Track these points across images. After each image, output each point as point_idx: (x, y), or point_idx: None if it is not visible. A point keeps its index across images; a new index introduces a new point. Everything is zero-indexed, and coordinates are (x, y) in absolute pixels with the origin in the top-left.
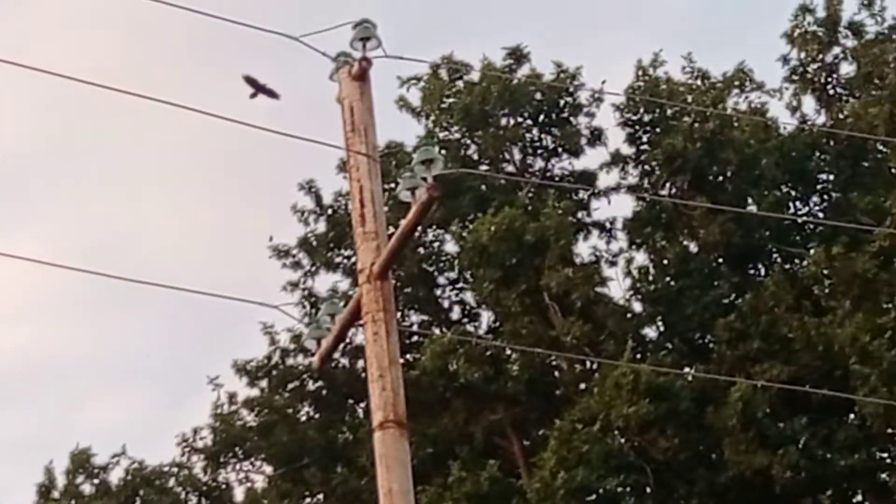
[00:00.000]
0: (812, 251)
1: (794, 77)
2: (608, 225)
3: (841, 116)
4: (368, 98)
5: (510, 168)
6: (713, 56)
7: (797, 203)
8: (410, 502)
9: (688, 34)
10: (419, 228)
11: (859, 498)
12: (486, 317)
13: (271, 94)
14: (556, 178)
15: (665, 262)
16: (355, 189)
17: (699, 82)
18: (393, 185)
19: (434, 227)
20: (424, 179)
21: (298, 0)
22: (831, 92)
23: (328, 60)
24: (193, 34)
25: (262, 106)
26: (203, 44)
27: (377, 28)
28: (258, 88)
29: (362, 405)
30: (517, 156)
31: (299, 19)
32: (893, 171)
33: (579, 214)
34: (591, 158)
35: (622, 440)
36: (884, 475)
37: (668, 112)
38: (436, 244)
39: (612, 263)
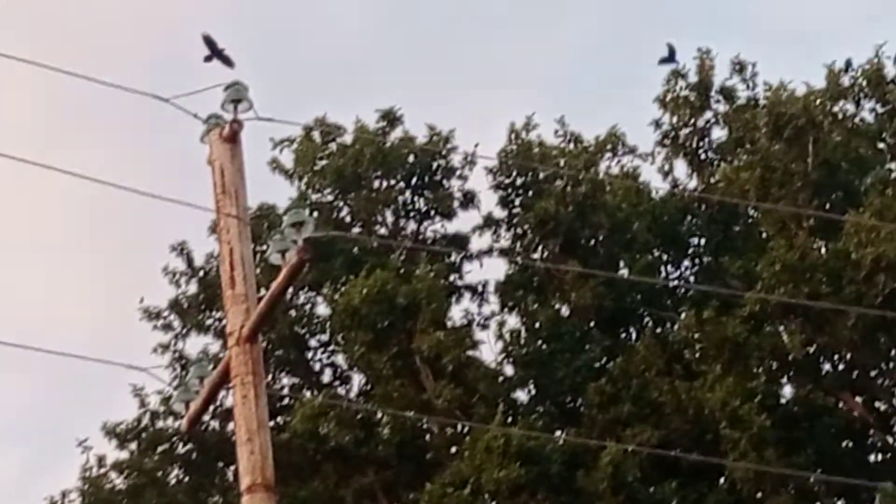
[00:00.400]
0: (683, 315)
1: (666, 141)
2: (480, 288)
3: (712, 181)
4: (239, 160)
5: (382, 230)
6: (586, 120)
7: (668, 267)
8: None
9: (561, 98)
10: (290, 291)
11: None
12: (358, 380)
13: (227, 60)
14: (429, 241)
15: (537, 325)
16: (225, 251)
17: (572, 146)
18: (265, 247)
19: (306, 289)
20: (295, 242)
21: (170, 61)
22: (703, 156)
23: (199, 122)
24: (62, 94)
25: (131, 168)
26: (73, 104)
27: (249, 90)
28: (214, 52)
29: (232, 468)
30: (390, 218)
31: (171, 81)
32: (764, 235)
33: (451, 277)
34: (464, 221)
35: None
36: None
37: (541, 175)
38: (307, 306)
39: (484, 326)
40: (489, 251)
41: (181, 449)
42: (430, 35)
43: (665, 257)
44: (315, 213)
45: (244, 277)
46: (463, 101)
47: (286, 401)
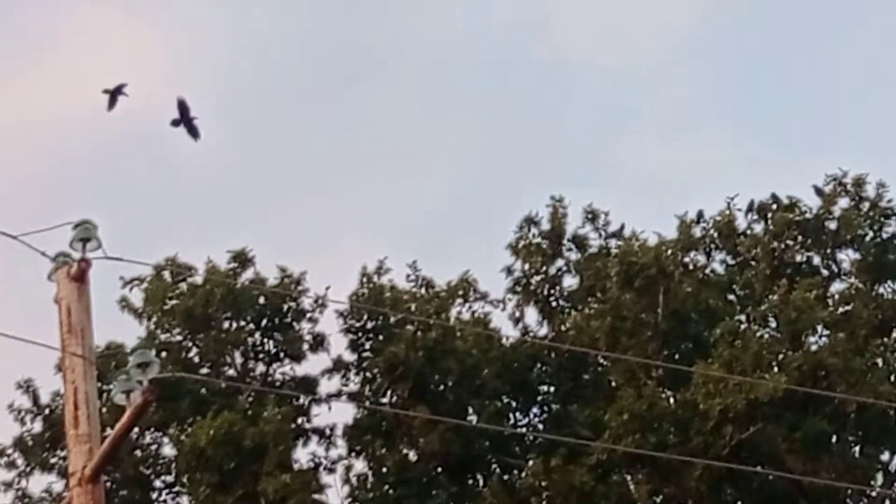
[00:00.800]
0: (531, 463)
1: (518, 288)
2: (328, 431)
3: (563, 328)
4: (86, 299)
5: (231, 372)
6: (439, 266)
7: (517, 414)
8: None
9: (415, 244)
10: (136, 431)
11: None
12: None
13: (194, 131)
14: (277, 383)
15: (384, 470)
16: (70, 391)
17: (423, 291)
18: (112, 387)
19: (152, 429)
20: (140, 383)
21: (19, 198)
22: (554, 304)
23: (48, 259)
24: None
25: None
26: None
27: (98, 229)
28: (184, 118)
29: None
30: (238, 359)
31: (19, 218)
32: (613, 384)
33: (299, 420)
34: (313, 364)
35: None
36: None
37: (392, 320)
38: (153, 447)
39: (331, 470)
40: (338, 395)
41: None
42: (285, 177)
43: (514, 404)
44: (163, 353)
45: (88, 417)
46: (315, 245)
47: None
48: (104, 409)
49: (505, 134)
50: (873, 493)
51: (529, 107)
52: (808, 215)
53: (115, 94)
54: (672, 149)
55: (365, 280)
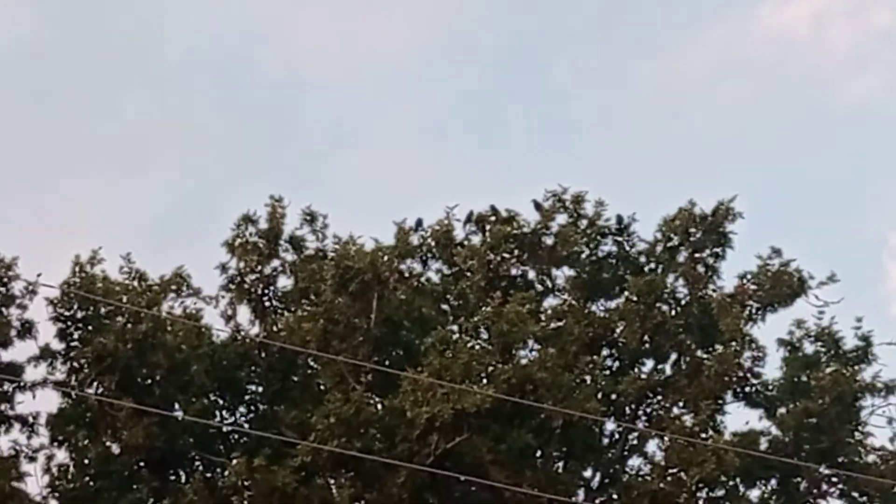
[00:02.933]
0: (234, 462)
1: (232, 286)
2: (31, 419)
3: (275, 329)
4: None
5: None
6: (157, 262)
7: (224, 412)
8: None
9: (133, 238)
10: None
11: None
12: None
13: None
14: None
15: (86, 461)
16: None
17: (136, 283)
18: None
19: None
20: None
21: None
22: (267, 304)
23: None
24: None
25: None
26: None
27: None
28: None
29: None
30: None
31: None
32: (322, 387)
33: (2, 406)
34: (20, 351)
35: None
36: None
37: (102, 311)
38: None
39: (32, 459)
40: (43, 382)
41: None
42: (12, 168)
43: (221, 402)
44: None
45: None
46: (29, 231)
47: None
48: None
49: (236, 139)
50: None
51: (262, 113)
52: (525, 229)
53: None
54: (400, 162)
55: (77, 269)
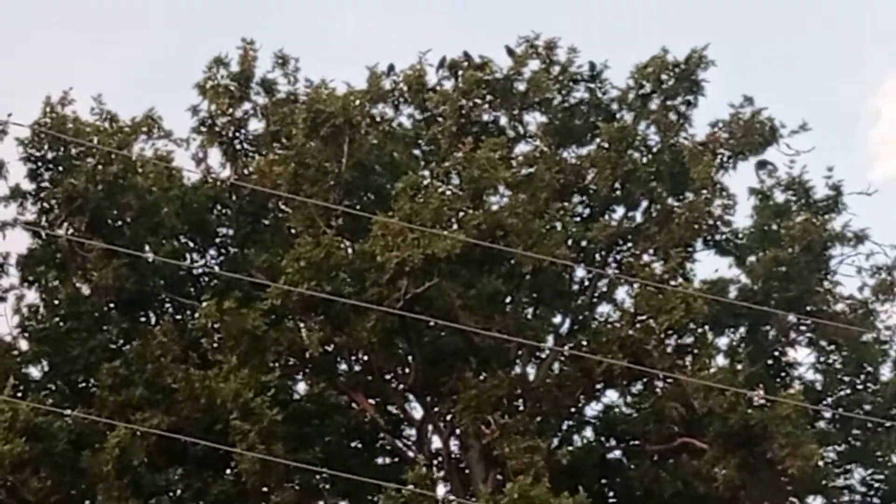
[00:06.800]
0: (204, 304)
1: (203, 128)
2: (1, 260)
3: (246, 172)
4: None
5: None
6: (129, 103)
7: (195, 255)
8: None
9: (105, 80)
10: None
11: None
12: None
13: None
14: None
15: (56, 302)
16: None
17: (107, 125)
18: None
19: None
20: None
21: None
22: (238, 147)
23: None
24: None
25: None
26: None
27: None
28: None
29: None
30: None
31: None
32: (293, 231)
33: None
34: None
35: None
36: None
37: (73, 151)
38: None
39: (2, 299)
40: (13, 223)
41: None
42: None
43: (192, 244)
44: None
45: None
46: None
47: None
48: None
49: None
50: (543, 355)
51: None
52: (498, 75)
53: None
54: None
55: (48, 110)
